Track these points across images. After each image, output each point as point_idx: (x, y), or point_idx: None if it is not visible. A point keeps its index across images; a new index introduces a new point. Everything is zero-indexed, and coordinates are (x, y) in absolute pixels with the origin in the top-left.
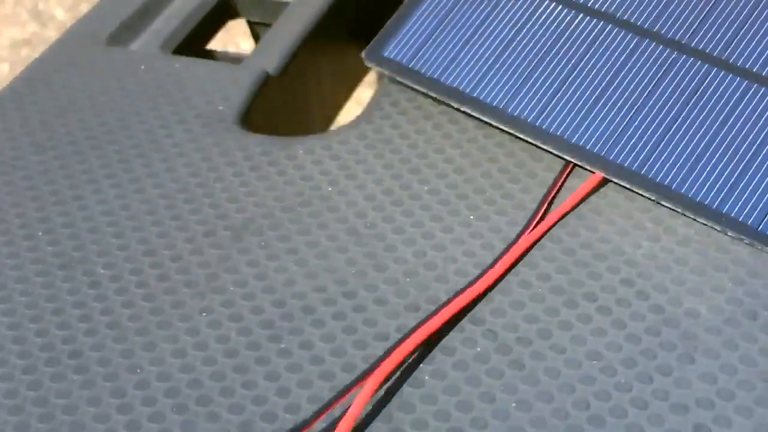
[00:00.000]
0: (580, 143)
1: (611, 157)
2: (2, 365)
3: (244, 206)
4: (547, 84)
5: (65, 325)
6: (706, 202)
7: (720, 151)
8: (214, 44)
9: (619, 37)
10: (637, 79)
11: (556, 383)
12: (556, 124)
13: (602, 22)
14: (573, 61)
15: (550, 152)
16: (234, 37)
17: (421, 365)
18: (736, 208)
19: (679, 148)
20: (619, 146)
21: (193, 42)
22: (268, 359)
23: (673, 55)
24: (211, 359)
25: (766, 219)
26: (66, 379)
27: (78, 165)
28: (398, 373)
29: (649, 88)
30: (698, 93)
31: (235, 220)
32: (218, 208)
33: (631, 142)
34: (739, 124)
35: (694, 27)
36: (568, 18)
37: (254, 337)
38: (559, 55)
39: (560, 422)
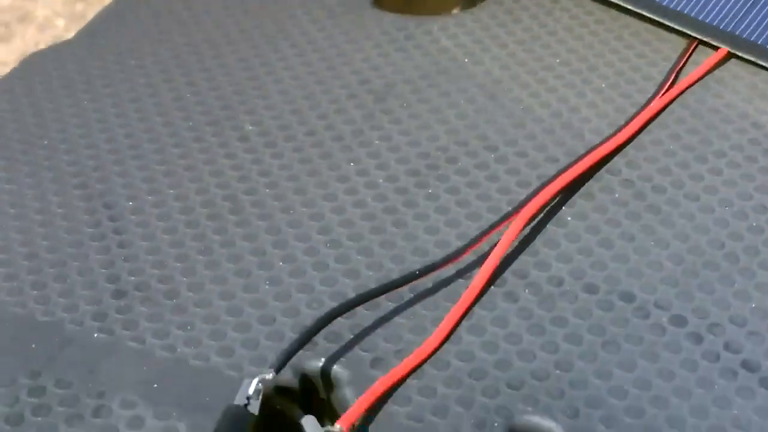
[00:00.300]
0: (707, 20)
1: (737, 33)
2: (161, 205)
3: (385, 74)
4: None
5: (218, 173)
6: None
7: None
8: None
9: None
10: None
11: (691, 225)
12: (683, 2)
13: None
14: None
15: (676, 30)
16: None
17: (564, 208)
18: None
19: None
20: (746, 22)
21: None
22: (416, 202)
23: None
24: (361, 202)
25: None
26: (222, 218)
27: (221, 39)
28: (542, 214)
29: None
30: None
31: (377, 85)
32: (360, 74)
33: (758, 18)
34: None
35: None
36: None
37: (401, 183)
38: None
39: (697, 258)
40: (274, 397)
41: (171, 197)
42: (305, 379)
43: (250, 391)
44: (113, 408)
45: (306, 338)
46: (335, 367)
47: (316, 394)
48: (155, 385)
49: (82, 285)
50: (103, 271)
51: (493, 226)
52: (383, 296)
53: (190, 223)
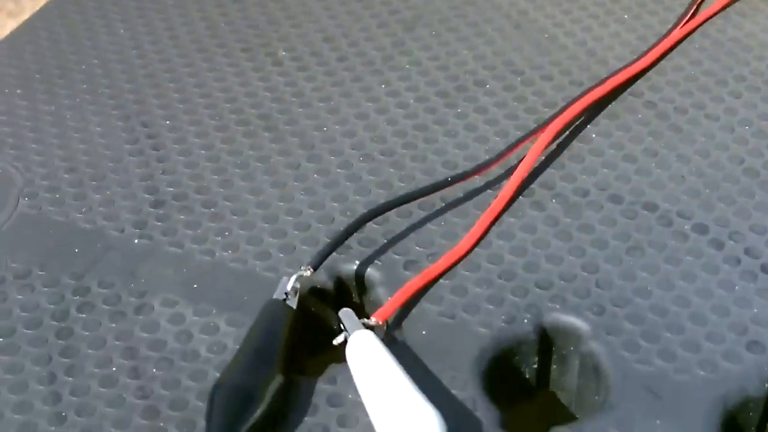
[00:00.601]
0: None
1: None
2: (198, 124)
3: (414, 5)
4: None
5: (252, 94)
6: None
7: None
8: None
9: None
10: None
11: (713, 143)
12: None
13: None
14: None
15: None
16: None
17: (588, 126)
18: None
19: None
20: None
21: None
22: (446, 121)
23: None
24: (392, 120)
25: None
26: (257, 135)
27: None
28: (567, 132)
29: None
30: None
31: (406, 15)
32: (389, 5)
33: None
34: None
35: None
36: None
37: (431, 103)
38: None
39: (718, 172)
40: (310, 298)
41: (207, 116)
42: (340, 281)
43: (289, 287)
44: (155, 306)
45: (342, 238)
46: (369, 270)
47: (350, 297)
48: (195, 286)
49: (122, 196)
50: (142, 183)
51: (521, 140)
52: (415, 204)
53: (226, 140)
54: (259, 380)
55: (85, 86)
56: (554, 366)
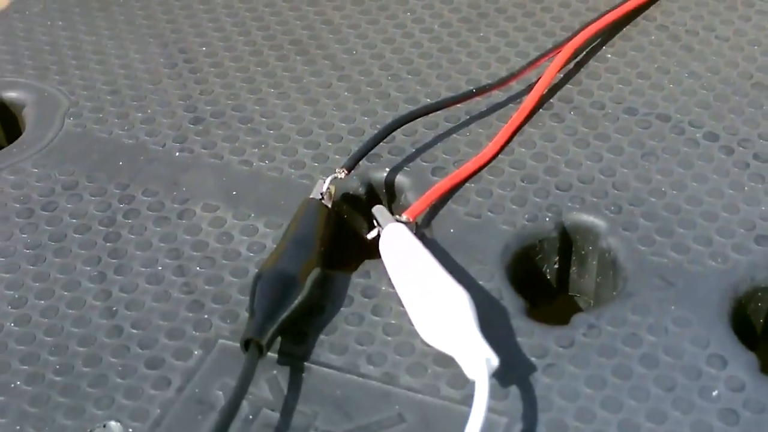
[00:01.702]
0: None
1: None
2: (233, 50)
3: None
4: None
5: (283, 22)
6: None
7: None
8: None
9: None
10: None
11: (723, 61)
12: None
13: None
14: None
15: None
16: None
17: (604, 47)
18: None
19: None
20: None
21: None
22: (469, 43)
23: None
24: (418, 44)
25: None
26: (289, 59)
27: None
28: (584, 53)
29: None
30: None
31: None
32: None
33: None
34: None
35: None
36: None
37: (455, 29)
38: None
39: (728, 87)
40: (341, 204)
41: (241, 42)
42: (371, 187)
43: (324, 188)
44: (196, 211)
45: (374, 142)
46: (399, 176)
47: (380, 203)
48: (234, 192)
49: (163, 114)
50: (181, 102)
51: (540, 57)
52: (442, 117)
53: (260, 63)
54: (300, 266)
55: (122, 17)
56: (573, 268)
